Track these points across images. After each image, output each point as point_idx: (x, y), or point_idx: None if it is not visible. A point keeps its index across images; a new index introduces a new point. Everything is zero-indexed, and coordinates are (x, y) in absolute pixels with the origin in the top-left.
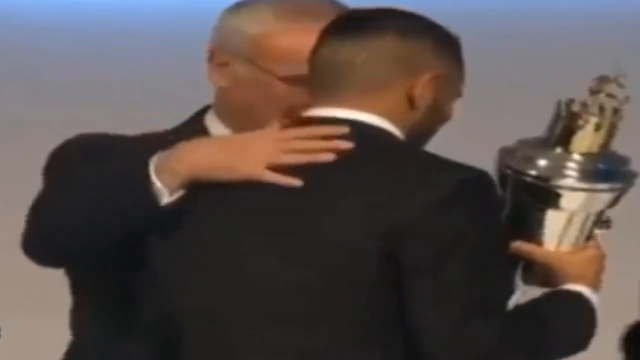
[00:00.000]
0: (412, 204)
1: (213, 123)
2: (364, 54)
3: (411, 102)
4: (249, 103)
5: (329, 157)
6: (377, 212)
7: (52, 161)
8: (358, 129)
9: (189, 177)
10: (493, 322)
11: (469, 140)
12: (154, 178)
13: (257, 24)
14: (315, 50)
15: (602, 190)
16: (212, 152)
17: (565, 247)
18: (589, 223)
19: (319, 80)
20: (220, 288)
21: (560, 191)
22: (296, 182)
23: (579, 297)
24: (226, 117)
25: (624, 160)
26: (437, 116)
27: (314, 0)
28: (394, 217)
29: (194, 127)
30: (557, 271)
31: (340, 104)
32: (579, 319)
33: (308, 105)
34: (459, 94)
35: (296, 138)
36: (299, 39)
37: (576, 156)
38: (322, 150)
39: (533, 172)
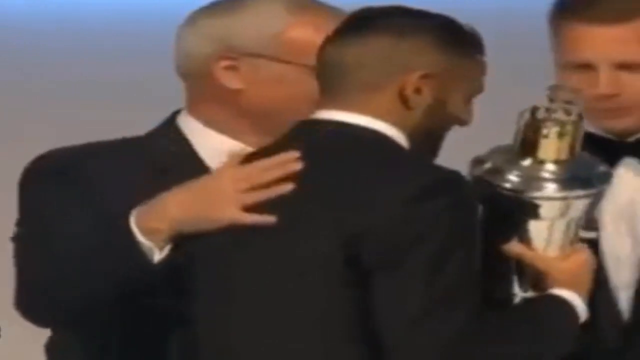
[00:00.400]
0: (374, 206)
1: (187, 125)
2: (360, 54)
3: (404, 101)
4: (271, 100)
5: (288, 187)
6: (342, 219)
7: (25, 180)
8: (350, 133)
9: (174, 232)
10: (454, 321)
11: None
12: (141, 240)
13: (273, 21)
14: (321, 49)
15: (578, 197)
16: (184, 207)
17: (552, 252)
18: (572, 228)
19: (324, 79)
20: (218, 303)
21: (537, 202)
22: (272, 218)
23: (562, 302)
24: (235, 120)
25: (595, 163)
26: (442, 116)
27: None
28: (357, 221)
29: (168, 131)
30: (546, 276)
31: (340, 105)
32: (559, 324)
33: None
34: (473, 93)
35: (251, 174)
36: (319, 30)
37: (549, 165)
38: (279, 179)
39: (507, 185)
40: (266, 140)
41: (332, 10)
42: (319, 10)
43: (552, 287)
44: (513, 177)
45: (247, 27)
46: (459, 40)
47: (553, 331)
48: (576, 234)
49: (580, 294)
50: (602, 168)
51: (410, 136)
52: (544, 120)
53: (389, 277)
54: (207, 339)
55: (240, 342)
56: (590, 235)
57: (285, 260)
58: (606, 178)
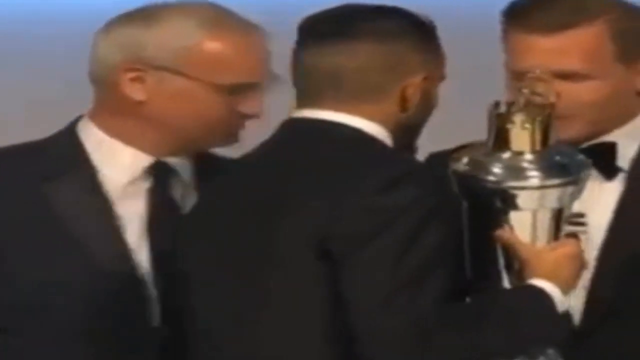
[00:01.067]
0: (341, 201)
1: (86, 132)
2: (347, 62)
3: (404, 103)
4: (174, 115)
5: None
6: (312, 216)
7: None
8: (336, 132)
9: None
10: (419, 306)
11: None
12: None
13: (184, 36)
14: (296, 56)
15: (555, 185)
16: None
17: (539, 244)
18: (557, 220)
19: (304, 86)
20: (213, 305)
21: (518, 192)
22: None
23: (539, 292)
24: (137, 131)
25: (572, 152)
26: (426, 108)
27: (220, 7)
28: (325, 217)
29: (66, 137)
30: (529, 267)
31: (326, 106)
32: (533, 315)
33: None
34: (442, 78)
35: None
36: (229, 46)
37: (527, 156)
38: None
39: (491, 178)
40: (171, 153)
41: (245, 25)
42: (231, 27)
43: (532, 277)
44: (495, 170)
45: (157, 40)
46: (430, 36)
47: (526, 321)
48: (558, 227)
49: (560, 286)
50: (580, 157)
51: (394, 132)
52: (514, 112)
53: (355, 267)
54: (200, 338)
55: (229, 340)
56: (577, 228)
57: (265, 261)
58: (584, 166)
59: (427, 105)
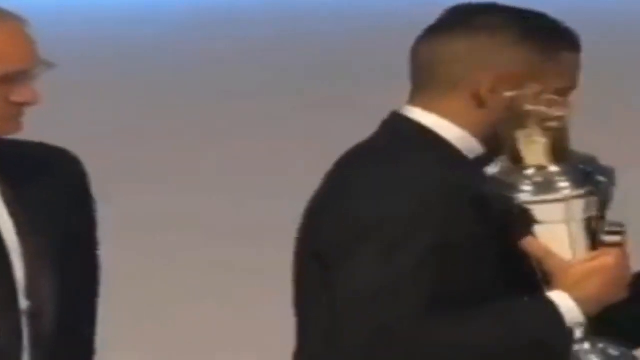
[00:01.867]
0: (336, 208)
1: None
2: (442, 53)
3: (479, 101)
4: None
5: None
6: (318, 217)
7: None
8: (397, 130)
9: None
10: (394, 310)
11: None
12: None
13: None
14: (414, 47)
15: (582, 196)
16: None
17: (578, 255)
18: (588, 230)
19: (411, 75)
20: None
21: (542, 206)
22: None
23: (546, 303)
24: None
25: (593, 160)
26: (518, 114)
27: None
28: (321, 218)
29: None
30: (554, 279)
31: (415, 102)
32: (526, 325)
33: None
34: (562, 89)
35: None
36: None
37: (551, 168)
38: None
39: (520, 195)
40: None
41: (5, 15)
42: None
43: (554, 288)
44: (522, 186)
45: None
46: (543, 36)
47: (515, 330)
48: (597, 236)
49: (580, 298)
50: (601, 164)
51: (485, 135)
52: (522, 128)
53: (342, 268)
54: None
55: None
56: (614, 239)
57: (302, 258)
58: (608, 173)
59: (520, 109)
